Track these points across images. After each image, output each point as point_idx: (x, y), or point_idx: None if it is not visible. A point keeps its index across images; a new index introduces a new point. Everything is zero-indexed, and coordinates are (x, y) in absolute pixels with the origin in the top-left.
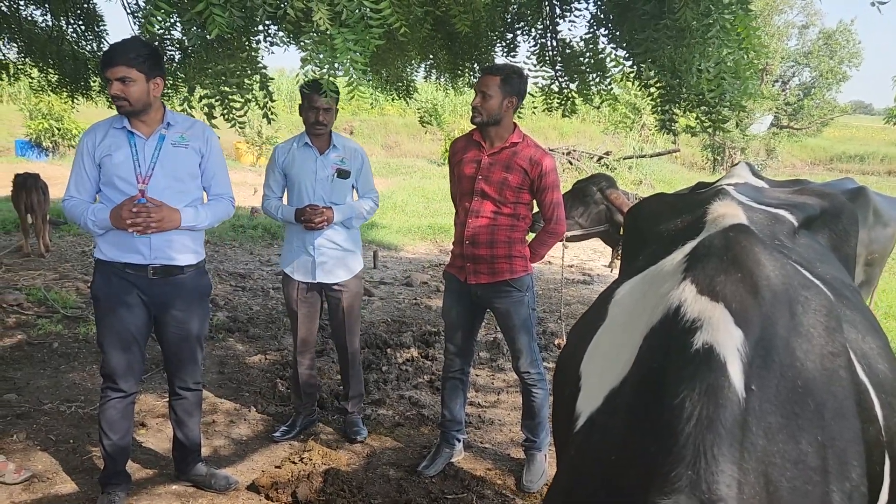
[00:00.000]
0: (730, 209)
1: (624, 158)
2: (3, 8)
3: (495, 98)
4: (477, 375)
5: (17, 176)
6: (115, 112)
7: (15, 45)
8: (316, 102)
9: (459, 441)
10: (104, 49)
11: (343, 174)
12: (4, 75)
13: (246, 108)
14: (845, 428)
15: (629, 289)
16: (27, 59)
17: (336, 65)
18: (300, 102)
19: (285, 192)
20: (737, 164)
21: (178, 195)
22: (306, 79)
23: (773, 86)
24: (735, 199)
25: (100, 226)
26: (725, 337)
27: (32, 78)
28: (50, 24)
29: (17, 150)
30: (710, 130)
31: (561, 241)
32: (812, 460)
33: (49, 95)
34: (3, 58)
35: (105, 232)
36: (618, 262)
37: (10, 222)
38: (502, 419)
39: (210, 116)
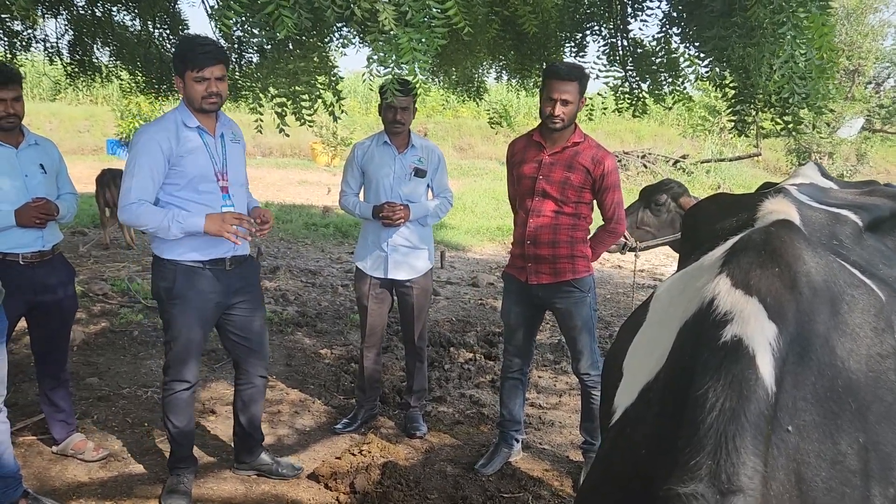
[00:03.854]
0: (780, 206)
1: (702, 162)
2: (98, 13)
3: (574, 104)
4: (539, 377)
5: (102, 171)
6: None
7: (107, 48)
8: (393, 101)
9: (518, 441)
10: (186, 45)
11: (420, 173)
12: (98, 77)
13: (314, 107)
14: (892, 432)
15: (669, 285)
16: (118, 62)
17: (401, 64)
18: (380, 103)
19: (361, 190)
20: (804, 164)
21: (242, 188)
22: (372, 78)
23: (866, 88)
24: (789, 198)
25: (185, 230)
26: (756, 330)
27: (122, 80)
28: (138, 27)
29: (108, 149)
30: (784, 133)
31: (628, 248)
32: (851, 462)
33: (138, 97)
34: (96, 61)
35: (180, 237)
36: None
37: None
38: (563, 421)
39: (281, 116)
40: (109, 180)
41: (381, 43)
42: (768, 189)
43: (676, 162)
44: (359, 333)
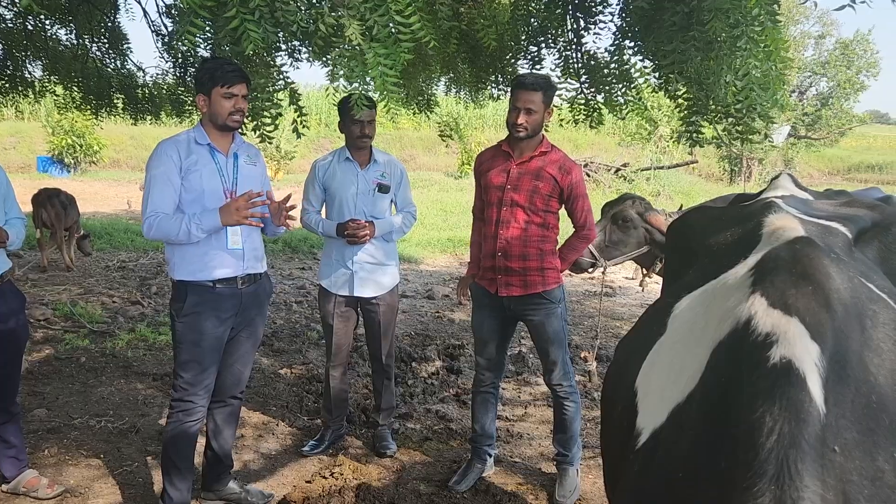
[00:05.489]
0: (787, 222)
1: (641, 170)
2: (29, 27)
3: (539, 113)
4: (504, 389)
5: (38, 191)
6: (141, 128)
7: (39, 63)
8: (359, 116)
9: (491, 456)
10: (213, 64)
11: (384, 189)
12: (30, 93)
13: (276, 122)
14: None
15: (689, 304)
16: (52, 77)
17: (367, 79)
18: (339, 119)
19: (323, 207)
20: (779, 176)
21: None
22: (337, 93)
23: (791, 96)
24: (789, 212)
25: (205, 229)
26: (803, 351)
27: (57, 95)
28: (74, 42)
29: (39, 166)
30: (736, 142)
31: (598, 267)
32: (889, 478)
33: (73, 113)
34: (28, 76)
35: (203, 237)
36: (648, 281)
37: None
38: (531, 433)
39: (240, 133)
40: (45, 200)
41: (346, 59)
42: (745, 201)
43: (618, 170)
44: (318, 351)
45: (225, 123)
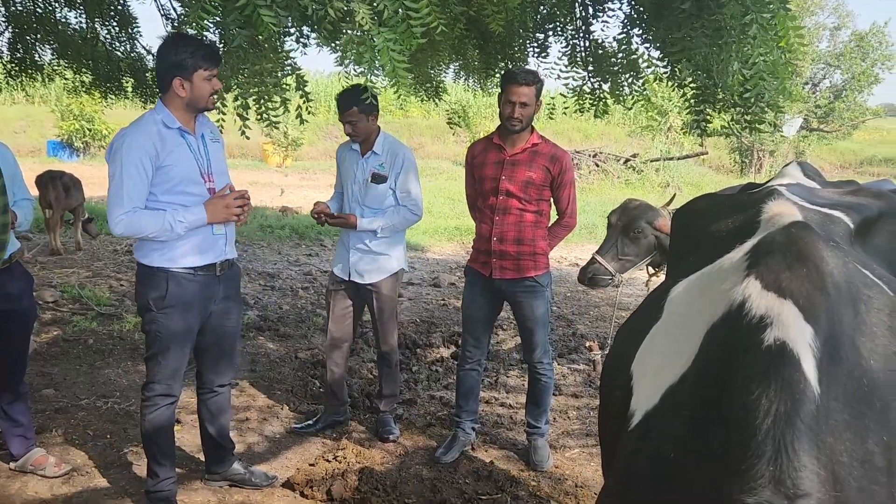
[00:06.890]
0: (786, 208)
1: (651, 161)
2: (39, 10)
3: (532, 106)
4: (507, 377)
5: (42, 173)
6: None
7: (49, 46)
8: (343, 114)
9: (474, 430)
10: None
11: (378, 179)
12: (39, 77)
13: (282, 107)
14: None
15: (685, 288)
16: (61, 61)
17: (377, 63)
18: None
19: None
20: (788, 164)
21: (227, 189)
22: (348, 79)
23: (804, 88)
24: (789, 199)
25: (189, 226)
26: (797, 333)
27: (66, 79)
28: (84, 25)
29: (49, 150)
30: (745, 131)
31: (614, 283)
32: (878, 460)
33: (82, 96)
34: (38, 59)
35: (185, 234)
36: (654, 281)
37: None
38: None
39: (242, 117)
40: (48, 181)
41: (354, 44)
42: (753, 189)
43: (627, 160)
44: (323, 337)
45: (205, 106)
